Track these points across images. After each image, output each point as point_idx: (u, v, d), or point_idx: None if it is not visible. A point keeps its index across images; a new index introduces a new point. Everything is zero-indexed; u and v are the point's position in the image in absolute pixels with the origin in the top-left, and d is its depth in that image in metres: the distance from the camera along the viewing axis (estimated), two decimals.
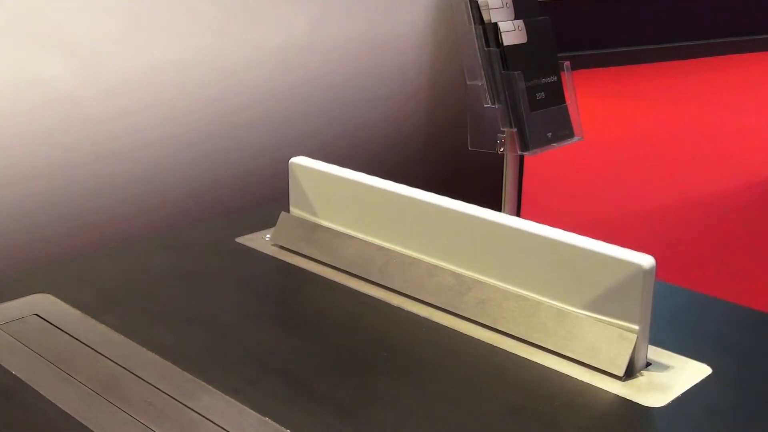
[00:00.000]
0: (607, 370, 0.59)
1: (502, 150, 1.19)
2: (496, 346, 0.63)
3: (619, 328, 0.60)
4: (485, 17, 1.20)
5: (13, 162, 0.92)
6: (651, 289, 0.59)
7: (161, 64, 1.01)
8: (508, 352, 0.63)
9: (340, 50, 1.17)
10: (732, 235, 2.31)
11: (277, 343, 0.65)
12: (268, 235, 0.83)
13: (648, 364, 0.61)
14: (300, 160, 0.81)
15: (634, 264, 0.59)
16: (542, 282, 0.64)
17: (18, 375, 0.60)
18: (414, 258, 0.72)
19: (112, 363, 0.61)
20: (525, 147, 1.18)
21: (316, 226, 0.79)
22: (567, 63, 1.26)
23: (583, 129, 1.27)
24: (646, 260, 0.59)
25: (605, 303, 0.61)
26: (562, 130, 1.24)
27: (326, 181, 0.78)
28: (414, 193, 0.72)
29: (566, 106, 1.26)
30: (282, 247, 0.80)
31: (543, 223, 0.64)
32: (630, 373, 0.59)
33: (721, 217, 2.44)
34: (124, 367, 0.61)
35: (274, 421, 0.54)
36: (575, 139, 1.26)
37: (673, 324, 0.68)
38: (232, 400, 0.57)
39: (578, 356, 0.61)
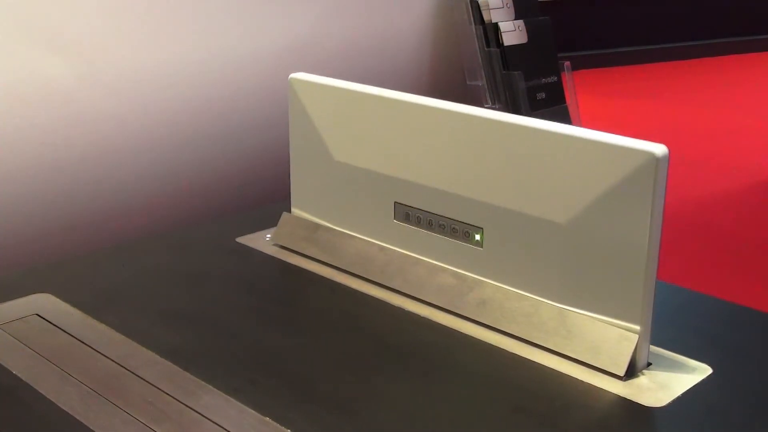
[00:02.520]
0: (607, 370, 0.59)
1: None
2: (496, 346, 0.63)
3: (620, 328, 0.60)
4: (485, 17, 1.20)
5: (13, 162, 0.92)
6: (663, 183, 0.57)
7: (161, 64, 1.01)
8: (508, 352, 0.63)
9: (340, 50, 1.17)
10: (732, 235, 2.31)
11: (278, 342, 0.65)
12: (268, 235, 0.82)
13: (648, 364, 0.60)
14: (300, 76, 0.78)
15: (645, 152, 0.57)
16: (546, 183, 0.62)
17: (18, 375, 0.60)
18: (415, 258, 0.72)
19: (112, 363, 0.61)
20: None
21: (318, 226, 0.79)
22: (567, 63, 1.26)
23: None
24: (659, 148, 0.56)
25: (614, 204, 0.58)
26: None
27: (329, 95, 0.76)
28: (416, 99, 0.70)
29: (566, 106, 1.25)
30: (283, 247, 0.80)
31: None
32: (631, 373, 0.59)
33: (721, 217, 2.44)
34: (124, 367, 0.61)
35: (274, 421, 0.54)
36: None
37: (674, 324, 0.67)
38: (232, 399, 0.57)
39: (579, 356, 0.61)
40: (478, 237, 0.67)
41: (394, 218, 0.73)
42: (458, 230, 0.69)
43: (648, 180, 0.57)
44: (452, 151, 0.68)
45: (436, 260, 0.71)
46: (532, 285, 0.65)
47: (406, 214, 0.72)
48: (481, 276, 0.68)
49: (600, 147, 0.59)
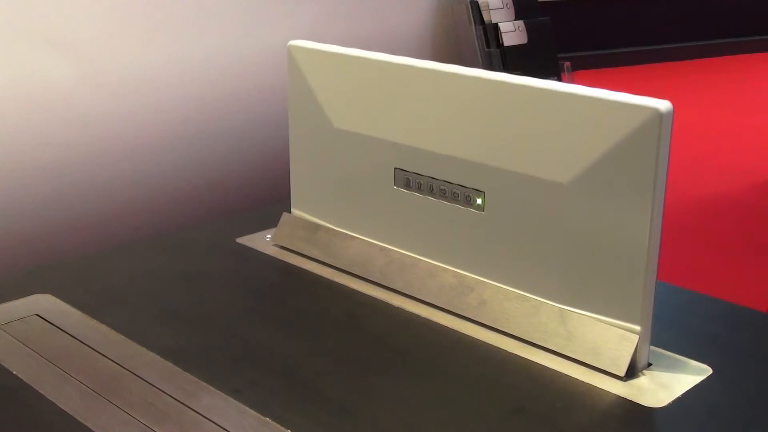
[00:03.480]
0: (608, 371, 0.59)
1: None
2: (496, 347, 0.63)
3: (621, 328, 0.60)
4: (486, 18, 1.20)
5: (13, 162, 0.92)
6: (667, 141, 0.55)
7: (161, 64, 1.01)
8: (508, 352, 0.63)
9: None
10: (732, 236, 2.31)
11: (278, 343, 0.65)
12: (268, 236, 0.82)
13: (649, 365, 0.60)
14: (300, 43, 0.76)
15: (648, 108, 0.55)
16: (548, 143, 0.61)
17: (19, 375, 0.60)
18: (415, 258, 0.72)
19: (112, 363, 0.61)
20: None
21: (318, 227, 0.79)
22: (567, 63, 1.26)
23: None
24: (663, 104, 0.55)
25: (617, 162, 0.57)
26: None
27: (328, 61, 0.75)
28: (415, 62, 0.69)
29: None
30: (282, 248, 0.80)
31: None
32: (631, 373, 0.59)
33: (722, 217, 2.44)
34: (124, 367, 0.61)
35: (274, 421, 0.54)
36: None
37: (674, 324, 0.67)
38: (232, 400, 0.57)
39: (579, 356, 0.61)
40: (479, 201, 0.66)
41: (395, 185, 0.72)
42: (459, 195, 0.68)
43: (652, 136, 0.55)
44: (452, 113, 0.67)
45: (437, 226, 0.69)
46: (533, 256, 0.63)
47: (406, 180, 0.71)
48: (481, 242, 0.67)
49: (603, 104, 0.58)
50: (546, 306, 0.64)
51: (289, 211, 0.82)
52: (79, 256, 0.82)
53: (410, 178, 0.71)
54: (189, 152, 1.05)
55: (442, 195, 0.69)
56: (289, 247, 0.80)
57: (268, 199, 1.06)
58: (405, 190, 0.71)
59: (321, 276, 0.75)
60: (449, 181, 0.68)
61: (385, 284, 0.72)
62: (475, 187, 0.66)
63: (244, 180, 1.11)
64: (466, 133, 0.66)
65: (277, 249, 0.80)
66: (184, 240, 0.84)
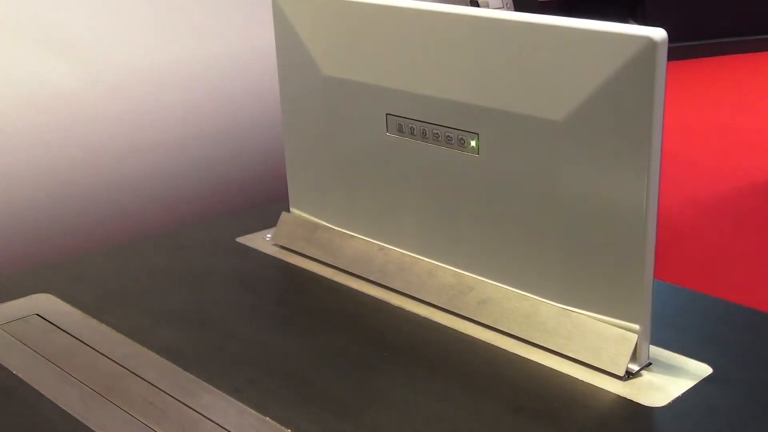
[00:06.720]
0: (607, 370, 0.59)
1: None
2: (496, 346, 0.63)
3: (620, 327, 0.60)
4: None
5: (14, 162, 0.92)
6: (663, 71, 0.54)
7: (162, 65, 1.01)
8: (508, 352, 0.63)
9: None
10: (732, 235, 2.31)
11: (278, 343, 0.65)
12: (268, 235, 0.82)
13: (649, 364, 0.60)
14: None
15: (642, 37, 0.53)
16: (541, 80, 0.59)
17: (19, 375, 0.60)
18: (414, 257, 0.72)
19: (112, 363, 0.61)
20: None
21: (317, 226, 0.79)
22: None
23: None
24: (657, 32, 0.53)
25: (612, 96, 0.55)
26: None
27: (314, 6, 0.73)
28: (401, 3, 0.67)
29: None
30: (282, 247, 0.80)
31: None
32: (631, 372, 0.59)
33: (721, 217, 2.44)
34: (124, 367, 0.61)
35: (274, 420, 0.54)
36: None
37: (674, 324, 0.67)
38: (232, 399, 0.57)
39: (579, 356, 0.61)
40: (473, 143, 0.65)
41: (387, 131, 0.70)
42: (453, 138, 0.66)
43: (648, 67, 0.54)
44: (442, 54, 0.65)
45: (431, 171, 0.68)
46: (528, 203, 0.62)
47: (398, 125, 0.69)
48: (476, 187, 0.65)
49: (595, 36, 0.56)
50: (545, 305, 0.64)
51: (289, 211, 0.82)
52: (79, 256, 0.82)
53: (402, 124, 0.69)
54: (189, 152, 1.05)
55: (436, 139, 0.67)
56: (288, 246, 0.80)
57: (268, 199, 1.06)
58: (398, 136, 0.70)
59: (321, 275, 0.75)
60: (442, 124, 0.66)
61: (384, 284, 0.72)
62: (469, 129, 0.65)
63: (244, 180, 1.11)
64: (456, 73, 0.65)
65: (277, 249, 0.80)
66: (184, 240, 0.84)
